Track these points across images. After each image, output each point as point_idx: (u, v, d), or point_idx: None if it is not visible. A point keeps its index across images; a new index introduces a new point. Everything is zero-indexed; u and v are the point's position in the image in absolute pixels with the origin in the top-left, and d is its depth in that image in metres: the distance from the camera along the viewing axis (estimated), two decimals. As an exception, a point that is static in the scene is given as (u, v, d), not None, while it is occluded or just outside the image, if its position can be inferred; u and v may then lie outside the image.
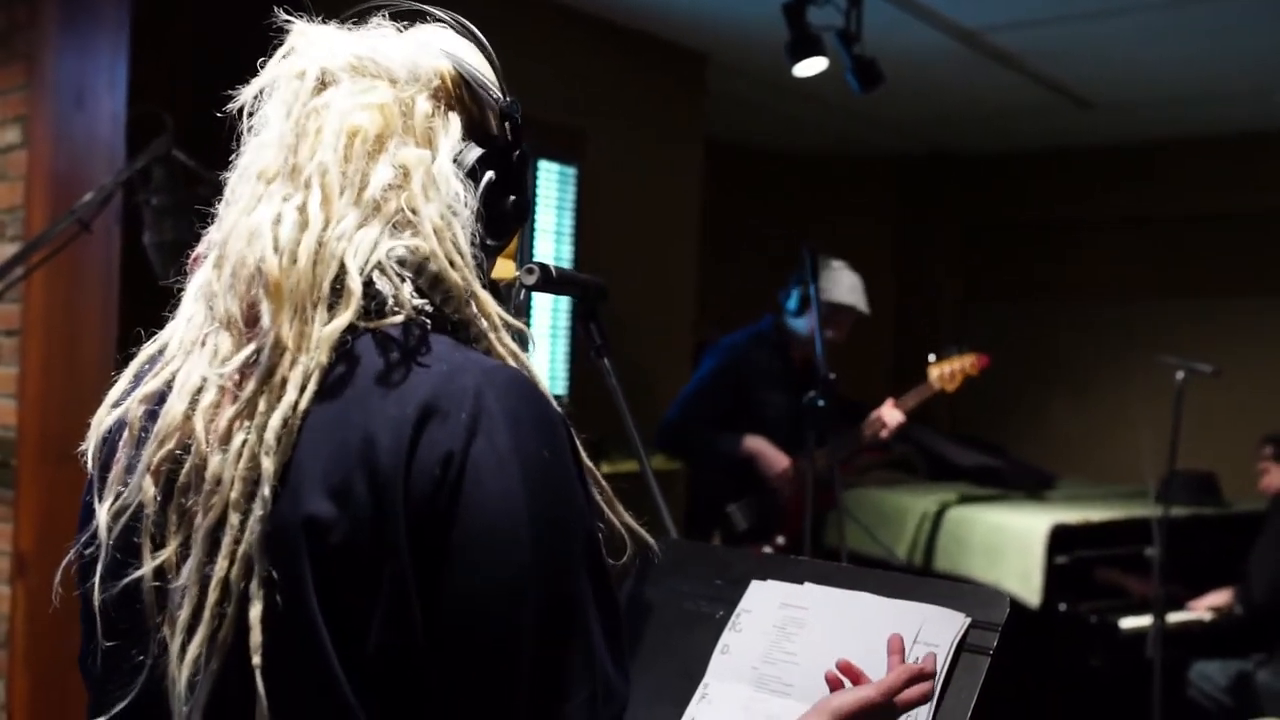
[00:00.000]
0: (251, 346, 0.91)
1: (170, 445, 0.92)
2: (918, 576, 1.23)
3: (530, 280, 1.28)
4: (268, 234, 0.91)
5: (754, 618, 1.27)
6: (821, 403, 2.69)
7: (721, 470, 3.68)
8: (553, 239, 4.51)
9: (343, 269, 0.91)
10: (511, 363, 0.96)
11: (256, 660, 0.85)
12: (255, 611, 0.85)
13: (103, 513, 0.93)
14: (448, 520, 0.86)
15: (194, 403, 0.92)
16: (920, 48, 4.68)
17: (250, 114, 0.99)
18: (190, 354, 0.95)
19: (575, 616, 0.90)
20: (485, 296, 0.96)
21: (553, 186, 4.49)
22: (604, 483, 1.03)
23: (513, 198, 1.03)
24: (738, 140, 6.55)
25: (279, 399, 0.88)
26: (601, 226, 4.62)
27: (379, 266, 0.92)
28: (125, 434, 0.95)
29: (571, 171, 4.53)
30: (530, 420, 0.90)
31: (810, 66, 3.58)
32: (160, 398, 0.94)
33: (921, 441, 5.94)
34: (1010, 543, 4.50)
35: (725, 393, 3.68)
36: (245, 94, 1.00)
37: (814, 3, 3.52)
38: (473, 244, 0.97)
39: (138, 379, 0.98)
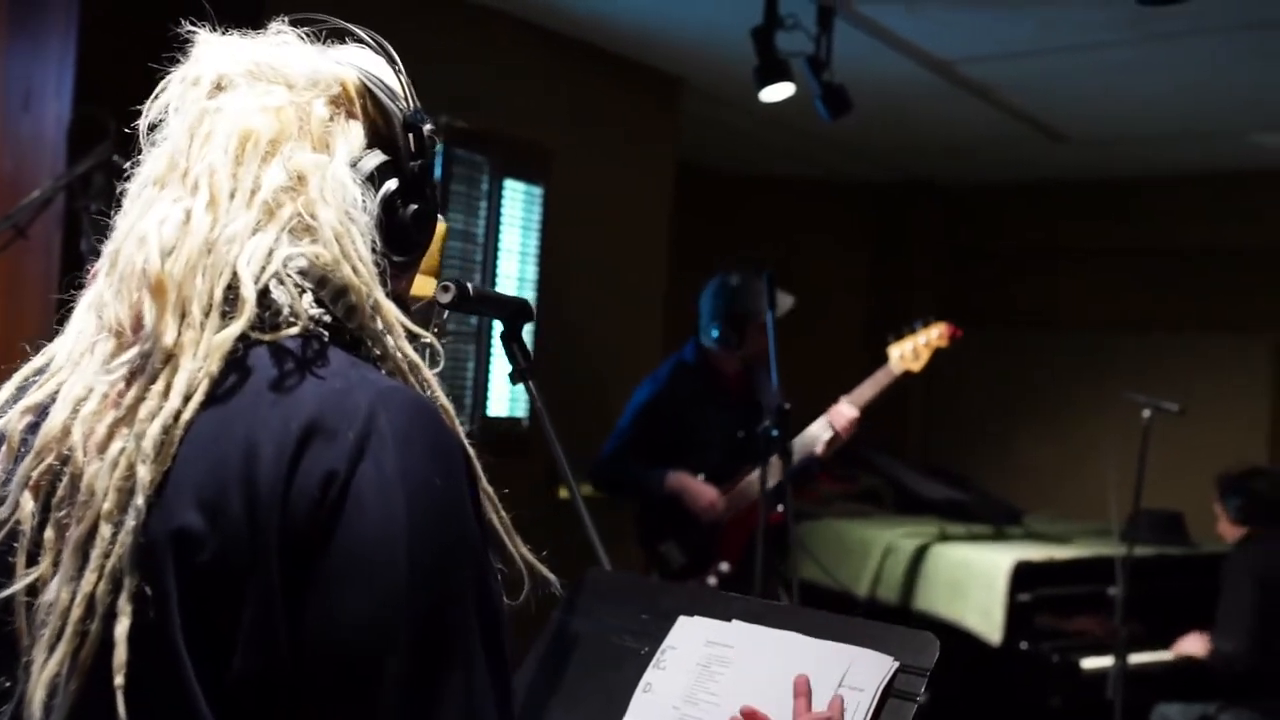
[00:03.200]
0: (134, 350, 0.89)
1: (50, 459, 0.89)
2: (849, 618, 1.21)
3: (446, 298, 1.23)
4: (153, 236, 0.89)
5: (678, 655, 1.24)
6: (776, 433, 2.63)
7: (650, 509, 3.61)
8: (517, 259, 4.46)
9: (236, 277, 0.88)
10: (412, 376, 0.94)
11: (119, 680, 0.81)
12: (122, 628, 0.82)
13: None
14: (322, 544, 0.82)
15: (75, 412, 0.89)
16: (894, 77, 4.66)
17: (153, 125, 0.98)
18: (78, 365, 0.92)
19: (454, 655, 0.86)
20: (389, 306, 0.94)
21: (518, 206, 4.43)
22: (504, 514, 0.99)
23: (414, 207, 1.00)
24: (711, 164, 6.53)
25: (160, 406, 0.85)
26: (568, 247, 4.57)
27: (277, 275, 0.89)
28: (4, 448, 0.92)
29: (538, 191, 4.48)
30: (423, 444, 0.87)
31: (777, 92, 3.55)
32: (43, 410, 0.91)
33: (888, 472, 5.89)
34: (973, 578, 4.44)
35: (656, 425, 3.58)
36: (147, 104, 0.99)
37: (783, 28, 3.48)
38: (373, 252, 0.95)
39: (21, 392, 0.95)
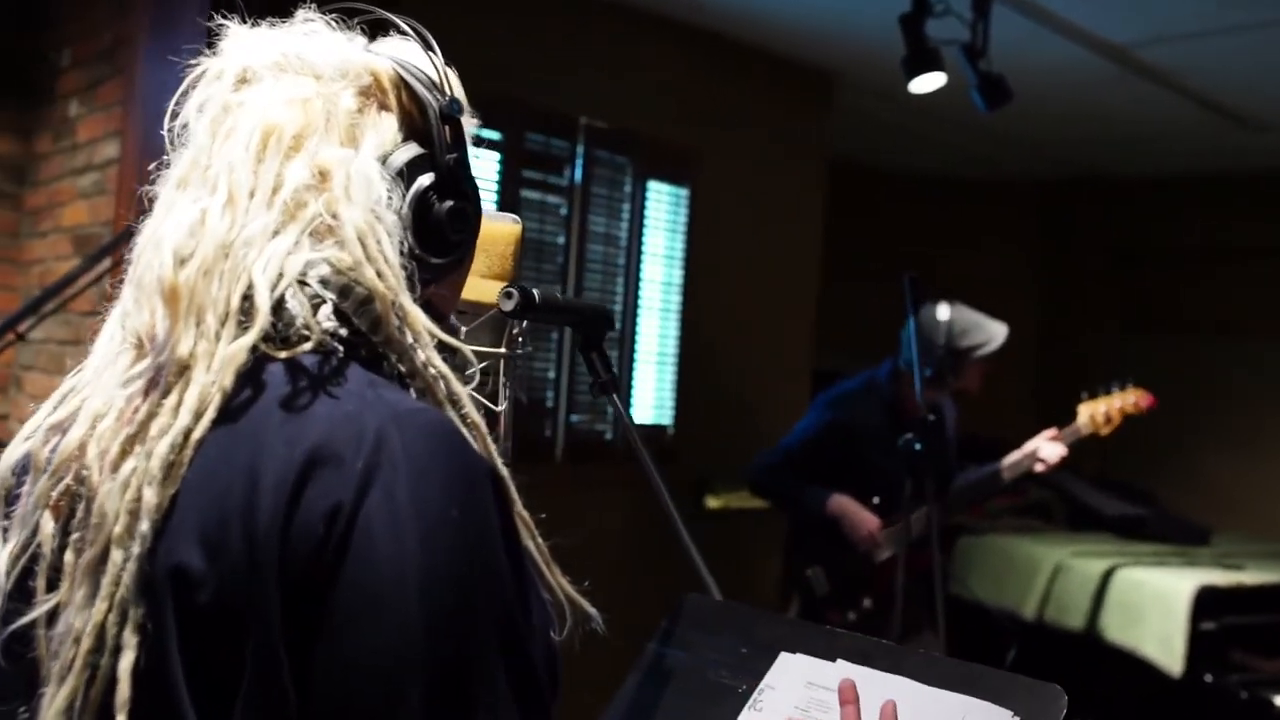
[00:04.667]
0: (147, 362, 0.83)
1: (67, 477, 0.84)
2: (966, 663, 1.10)
3: (509, 305, 1.13)
4: (168, 241, 0.84)
5: (776, 696, 1.16)
6: (919, 446, 2.44)
7: (805, 528, 3.44)
8: (662, 262, 4.36)
9: (252, 284, 0.83)
10: (440, 389, 0.86)
11: (120, 719, 0.77)
12: (125, 663, 0.77)
13: (3, 555, 0.86)
14: (329, 585, 0.75)
15: (93, 428, 0.84)
16: (1059, 64, 4.36)
17: (185, 125, 0.93)
18: (101, 378, 0.88)
19: (475, 704, 0.77)
20: (416, 314, 0.87)
21: (663, 208, 4.34)
22: (542, 544, 0.90)
23: (450, 204, 0.92)
24: (865, 161, 6.29)
25: (171, 423, 0.80)
26: (714, 250, 4.46)
27: (296, 283, 0.84)
28: (31, 468, 0.88)
29: (683, 192, 4.38)
30: (441, 472, 0.79)
31: (927, 83, 3.34)
32: (66, 427, 0.88)
33: (1061, 486, 5.54)
34: (1151, 603, 4.11)
35: (831, 448, 3.41)
36: (174, 103, 0.94)
37: (933, 15, 3.28)
38: (405, 254, 0.89)
39: (55, 409, 0.91)
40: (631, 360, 4.24)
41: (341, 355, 0.83)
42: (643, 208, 4.23)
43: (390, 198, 0.88)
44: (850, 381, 3.52)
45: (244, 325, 0.82)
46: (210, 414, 0.80)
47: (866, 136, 5.76)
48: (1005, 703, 1.03)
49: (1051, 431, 3.23)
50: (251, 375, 0.82)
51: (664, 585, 4.22)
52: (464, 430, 0.85)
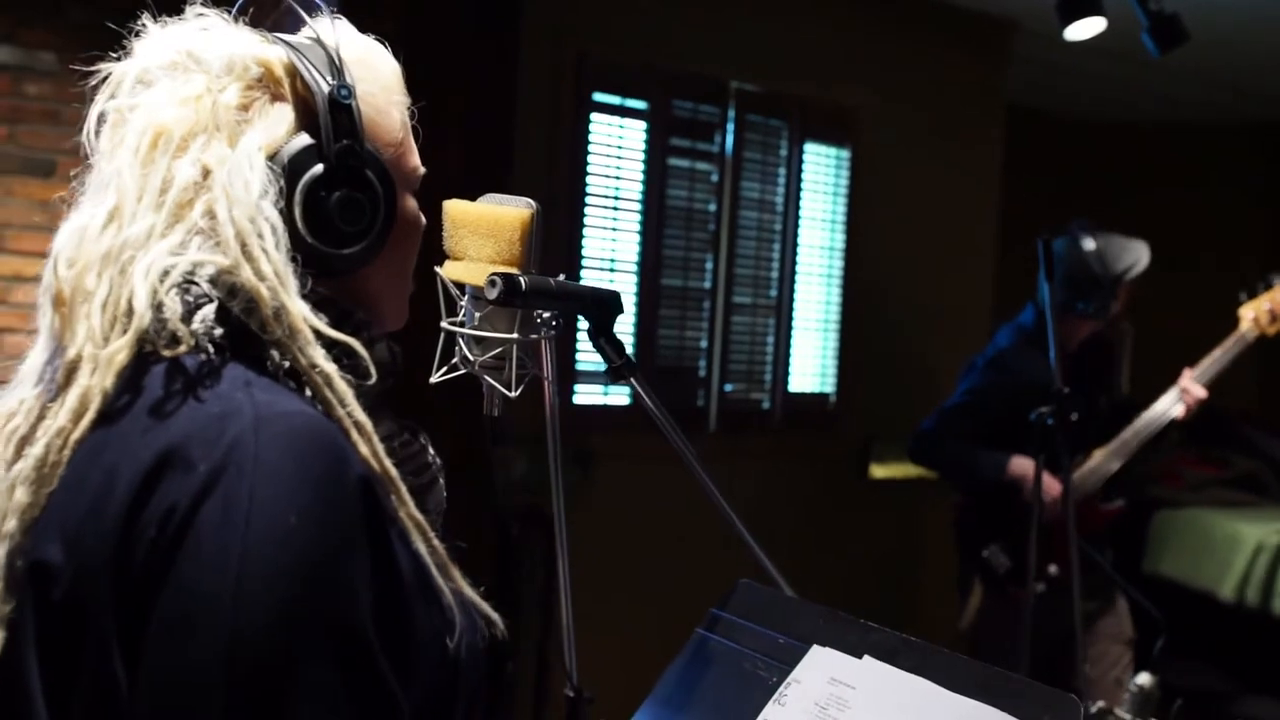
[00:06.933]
0: (42, 362, 0.87)
1: None
2: (990, 667, 1.08)
3: (492, 294, 1.10)
4: (58, 246, 0.87)
5: (801, 690, 1.18)
6: (1051, 421, 2.29)
7: (973, 501, 3.26)
8: (822, 227, 4.25)
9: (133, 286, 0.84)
10: (324, 388, 0.84)
11: None
12: None
13: None
14: (157, 588, 0.76)
15: (4, 426, 0.88)
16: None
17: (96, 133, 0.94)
18: (22, 377, 0.92)
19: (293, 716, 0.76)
20: (296, 310, 0.85)
21: (822, 171, 4.22)
22: (438, 546, 0.88)
23: (339, 194, 0.90)
24: (1046, 109, 5.90)
25: (52, 424, 0.83)
26: (880, 212, 4.31)
27: (180, 285, 0.84)
28: None
29: (844, 154, 4.24)
30: (292, 478, 0.78)
31: (1084, 29, 3.10)
32: None
33: (1272, 455, 5.11)
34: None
35: (996, 409, 3.20)
36: (86, 111, 0.94)
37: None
38: (292, 249, 0.87)
39: None
40: (789, 328, 4.16)
41: (219, 356, 0.83)
42: (799, 171, 4.12)
43: (275, 191, 0.87)
44: (1000, 338, 3.32)
45: (126, 327, 0.83)
46: (90, 415, 0.81)
47: (1051, 85, 5.41)
48: (1020, 712, 1.02)
49: (1188, 372, 2.96)
50: (134, 377, 0.83)
51: (825, 558, 4.15)
52: (347, 433, 0.83)
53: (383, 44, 1.00)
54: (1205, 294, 5.73)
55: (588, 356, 3.57)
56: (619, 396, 3.70)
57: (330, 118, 0.89)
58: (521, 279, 1.12)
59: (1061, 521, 3.01)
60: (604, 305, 1.19)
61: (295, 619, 0.75)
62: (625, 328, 3.72)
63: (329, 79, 0.90)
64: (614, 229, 3.69)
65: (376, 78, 0.96)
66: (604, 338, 1.21)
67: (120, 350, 0.82)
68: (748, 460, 3.97)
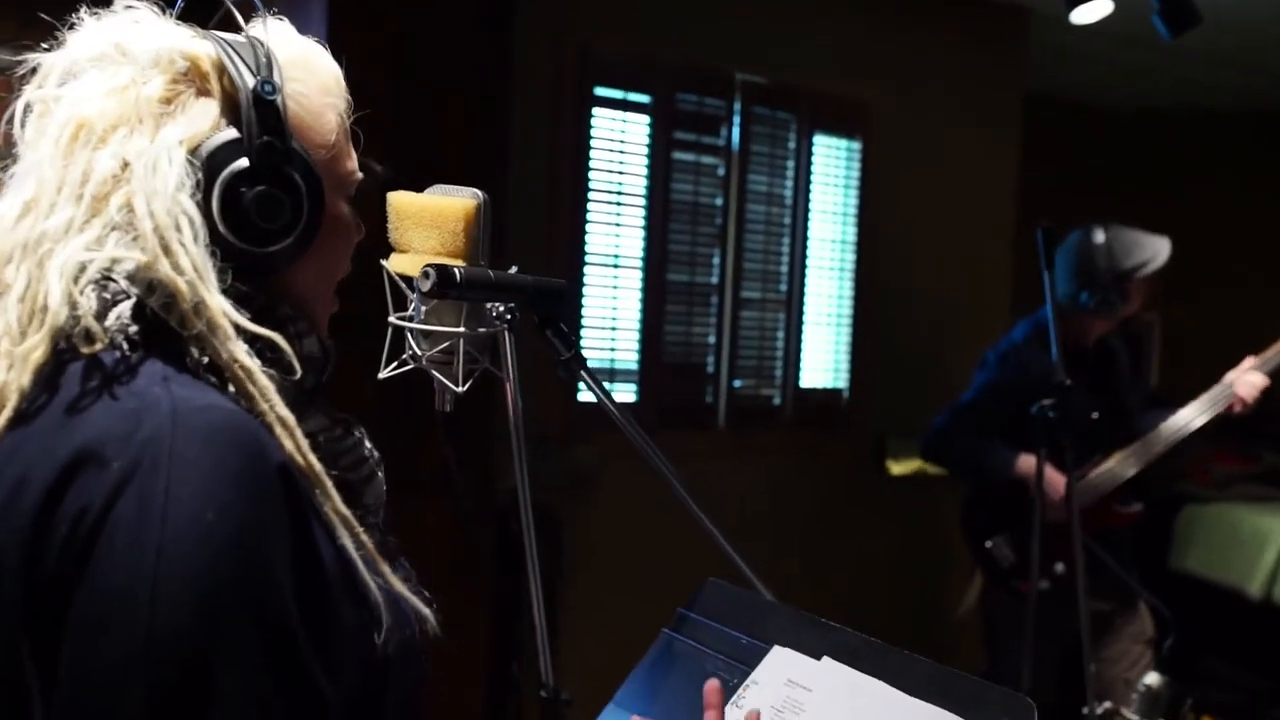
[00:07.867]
0: None
1: None
2: (949, 670, 1.08)
3: (425, 286, 1.07)
4: None
5: (759, 692, 1.18)
6: (1053, 415, 2.23)
7: (979, 494, 3.21)
8: (833, 220, 4.19)
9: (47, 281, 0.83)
10: (245, 382, 0.83)
11: None
12: None
13: None
14: (71, 589, 0.74)
15: None
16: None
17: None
18: None
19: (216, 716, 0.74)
20: (217, 305, 0.84)
21: (832, 163, 4.16)
22: (366, 541, 0.87)
23: (258, 190, 0.88)
24: (1063, 95, 5.79)
25: None
26: (892, 204, 4.24)
27: (96, 280, 0.83)
28: None
29: (855, 146, 4.18)
30: (208, 473, 0.76)
31: (1089, 12, 3.02)
32: None
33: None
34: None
35: (1008, 405, 3.12)
36: (13, 104, 0.93)
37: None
38: (209, 244, 0.86)
39: None
40: (800, 322, 4.10)
41: (136, 353, 0.82)
42: (809, 164, 4.06)
43: (192, 185, 0.86)
44: (1014, 332, 3.26)
45: (43, 323, 0.81)
46: (7, 414, 0.80)
47: (1062, 71, 5.30)
48: (975, 716, 1.03)
49: (1250, 360, 2.88)
50: (52, 374, 0.81)
51: (839, 557, 4.08)
52: (270, 428, 0.82)
53: (322, 45, 0.99)
54: (1237, 285, 5.64)
55: (588, 356, 3.52)
56: (623, 394, 3.66)
57: (254, 113, 0.87)
58: (456, 270, 1.09)
59: (1068, 519, 2.95)
60: (548, 296, 1.16)
61: (216, 617, 0.74)
62: (631, 324, 3.68)
63: (253, 75, 0.89)
64: (618, 224, 3.65)
65: (312, 79, 0.95)
66: (551, 330, 1.18)
67: (36, 347, 0.81)
68: (758, 457, 3.92)
